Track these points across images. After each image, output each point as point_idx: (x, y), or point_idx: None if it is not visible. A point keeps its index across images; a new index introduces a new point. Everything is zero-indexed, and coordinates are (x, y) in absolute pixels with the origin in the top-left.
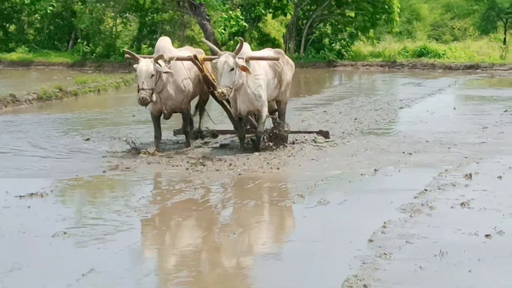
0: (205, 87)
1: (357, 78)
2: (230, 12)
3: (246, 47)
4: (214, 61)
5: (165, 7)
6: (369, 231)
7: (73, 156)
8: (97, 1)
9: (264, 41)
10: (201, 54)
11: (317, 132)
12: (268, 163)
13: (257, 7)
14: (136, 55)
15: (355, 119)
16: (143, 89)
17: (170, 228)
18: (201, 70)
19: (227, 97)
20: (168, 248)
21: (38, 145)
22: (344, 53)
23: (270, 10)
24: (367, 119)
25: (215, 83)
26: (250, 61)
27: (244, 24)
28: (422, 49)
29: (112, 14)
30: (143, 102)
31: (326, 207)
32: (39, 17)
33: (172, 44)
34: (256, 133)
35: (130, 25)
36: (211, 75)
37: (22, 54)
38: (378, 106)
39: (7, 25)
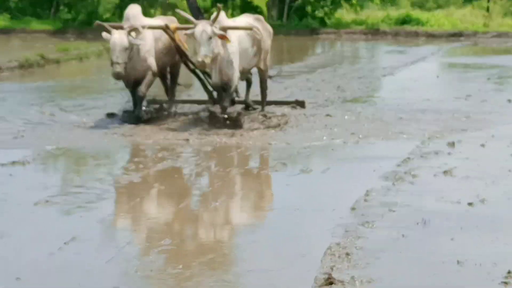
0: (177, 56)
1: (340, 46)
2: None
3: (222, 15)
4: (189, 31)
5: None
6: (351, 199)
7: (54, 124)
8: None
9: (247, 8)
10: (173, 23)
11: (293, 102)
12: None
13: None
14: (108, 27)
15: (338, 87)
16: (117, 63)
17: (152, 196)
18: (173, 39)
19: (206, 66)
20: (150, 216)
21: (20, 114)
22: (327, 20)
23: None
24: (350, 87)
25: (187, 53)
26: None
27: None
28: (405, 17)
29: None
30: (118, 76)
31: (309, 176)
32: None
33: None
34: (221, 105)
35: None
36: (183, 45)
37: (4, 21)
38: (361, 74)
39: None
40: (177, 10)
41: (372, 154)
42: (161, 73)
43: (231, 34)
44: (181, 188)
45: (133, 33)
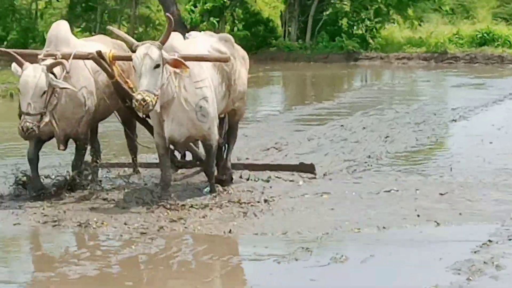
0: (119, 101)
1: (389, 77)
2: None
3: (176, 37)
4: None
5: None
6: None
7: None
8: None
9: (252, 22)
10: (119, 48)
11: (297, 168)
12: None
13: None
14: (19, 57)
15: (386, 138)
16: (28, 114)
17: None
18: (109, 74)
19: (150, 108)
20: None
21: None
22: (370, 40)
23: None
24: (404, 137)
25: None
26: (186, 62)
27: None
28: (485, 34)
29: None
30: (28, 134)
31: (343, 267)
32: None
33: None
34: (205, 170)
35: (58, 0)
36: (126, 82)
37: None
38: (420, 119)
39: None
40: (109, 27)
41: (437, 236)
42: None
43: (200, 68)
44: None
45: (56, 68)
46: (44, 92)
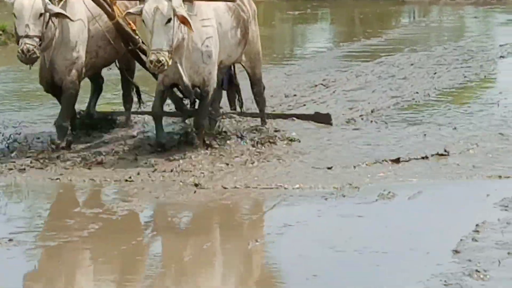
0: (122, 44)
1: (437, 14)
2: None
3: None
4: (134, 8)
5: None
6: (454, 237)
7: None
8: None
9: None
10: None
11: (312, 118)
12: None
13: None
14: None
15: (433, 74)
16: (27, 36)
17: None
18: (109, 14)
19: (165, 68)
20: None
21: None
22: None
23: None
24: (452, 74)
25: (137, 37)
26: (195, 1)
27: None
28: None
29: None
30: (29, 57)
31: (391, 203)
32: None
33: None
34: (196, 121)
35: None
36: (129, 24)
37: None
38: (468, 55)
39: None
40: None
41: (484, 170)
42: (95, 74)
43: (206, 7)
44: None
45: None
46: (41, 15)
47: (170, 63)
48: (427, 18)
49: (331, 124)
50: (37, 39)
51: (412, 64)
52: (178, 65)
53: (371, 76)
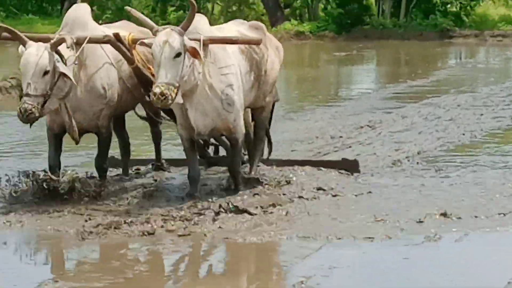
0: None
1: (484, 55)
2: None
3: (201, 20)
4: (147, 40)
5: None
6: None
7: None
8: None
9: (346, 0)
10: (138, 34)
11: (339, 165)
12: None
13: None
14: (21, 35)
15: (480, 116)
16: (27, 94)
17: None
18: (128, 58)
19: (169, 102)
20: None
21: None
22: (465, 17)
23: None
24: (498, 115)
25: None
26: (211, 46)
27: None
28: None
29: None
30: (26, 117)
31: (437, 245)
32: None
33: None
34: (230, 169)
35: None
36: (148, 68)
37: None
38: None
39: None
40: (128, 8)
41: None
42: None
43: (225, 54)
44: None
45: (63, 47)
46: (45, 72)
47: (175, 98)
48: (473, 59)
49: (359, 171)
50: (40, 99)
51: (458, 105)
52: (188, 111)
53: (417, 118)
